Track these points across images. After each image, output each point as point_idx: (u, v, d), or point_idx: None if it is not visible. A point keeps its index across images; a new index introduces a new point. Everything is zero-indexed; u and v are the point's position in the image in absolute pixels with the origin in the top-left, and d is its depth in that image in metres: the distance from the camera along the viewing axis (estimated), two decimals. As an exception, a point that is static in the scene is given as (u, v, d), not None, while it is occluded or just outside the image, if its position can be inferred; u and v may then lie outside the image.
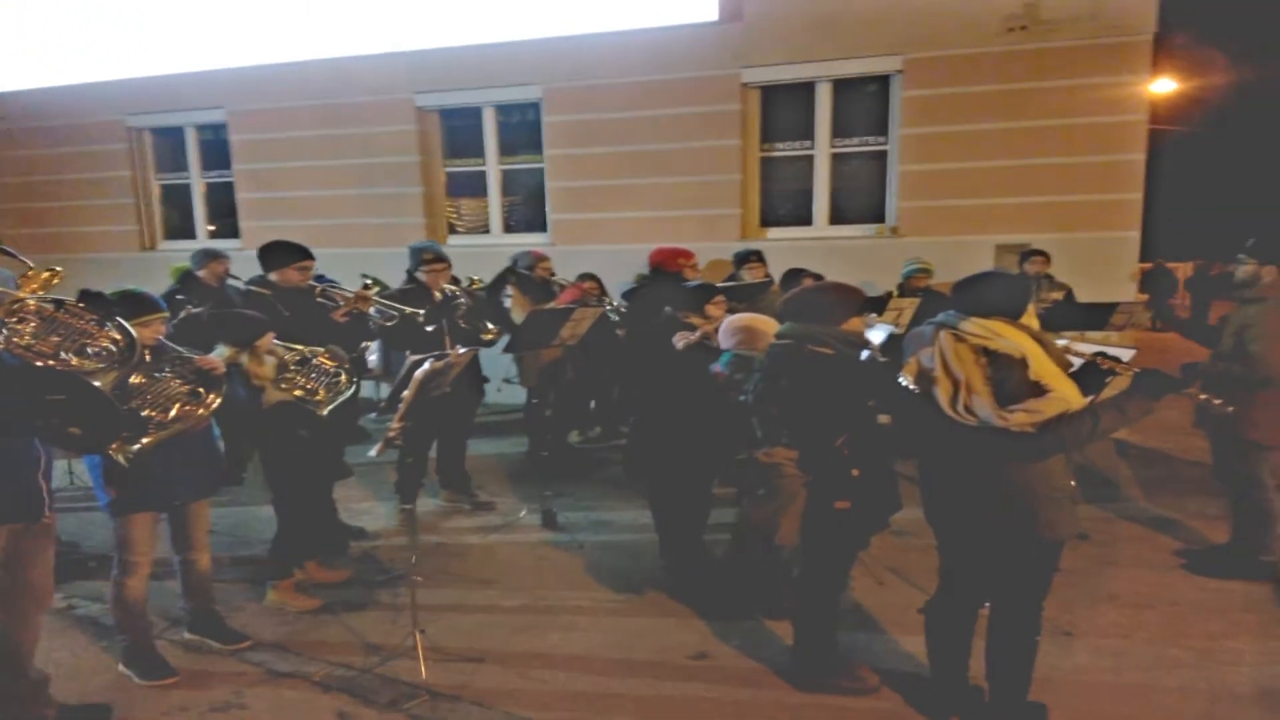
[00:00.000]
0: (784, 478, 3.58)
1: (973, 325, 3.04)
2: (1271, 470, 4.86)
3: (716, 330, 4.44)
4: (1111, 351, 3.32)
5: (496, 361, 7.38)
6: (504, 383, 7.80)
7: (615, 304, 7.38)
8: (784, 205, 9.27)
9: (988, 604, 3.40)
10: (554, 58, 9.25)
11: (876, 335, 3.96)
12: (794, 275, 6.64)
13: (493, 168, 10.07)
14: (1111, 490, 6.60)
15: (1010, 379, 2.95)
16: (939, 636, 3.52)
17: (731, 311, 4.69)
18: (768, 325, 4.07)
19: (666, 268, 6.65)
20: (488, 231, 10.25)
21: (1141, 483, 6.77)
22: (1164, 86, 16.20)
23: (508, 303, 7.14)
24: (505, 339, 6.51)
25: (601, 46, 9.06)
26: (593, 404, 8.18)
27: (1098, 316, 6.27)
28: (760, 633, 4.33)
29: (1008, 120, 8.06)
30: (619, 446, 7.52)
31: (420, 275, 6.02)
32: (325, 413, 4.53)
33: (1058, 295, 7.16)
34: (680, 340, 4.59)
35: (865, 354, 3.58)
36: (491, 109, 9.90)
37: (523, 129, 9.90)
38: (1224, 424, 4.65)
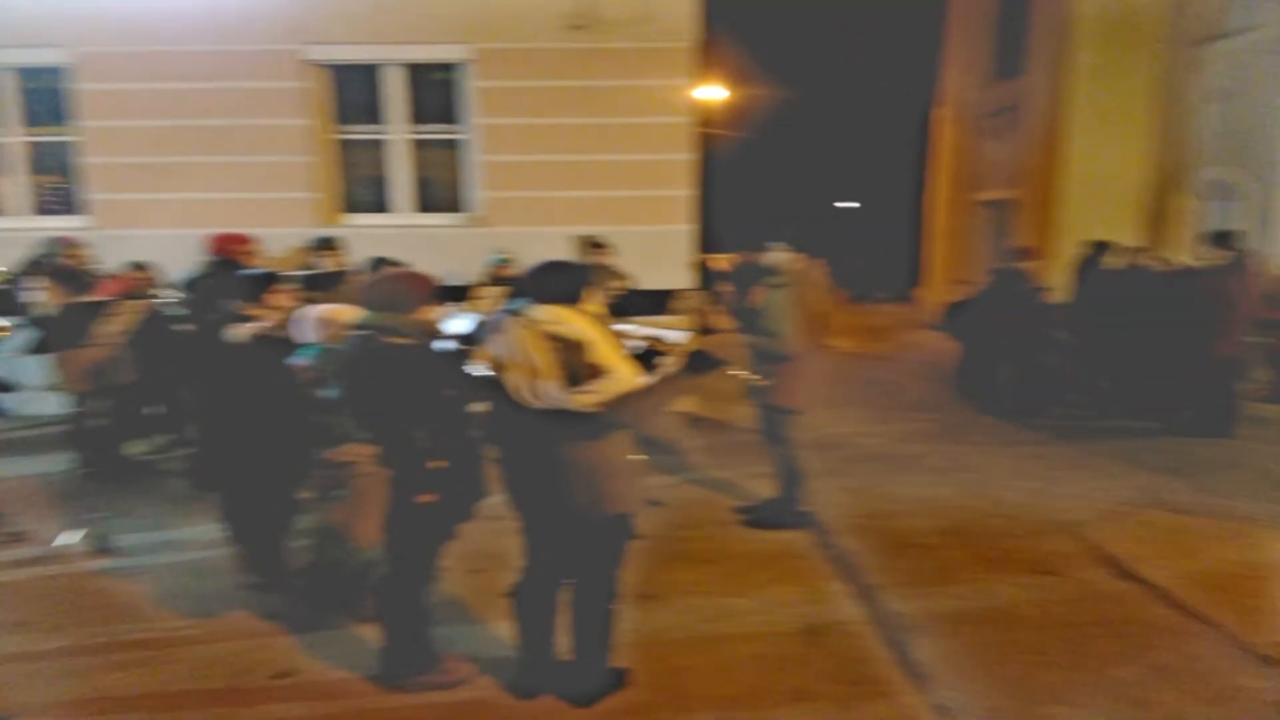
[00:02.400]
0: (360, 476, 3.42)
1: (540, 312, 3.12)
2: (802, 429, 5.54)
3: (283, 322, 4.12)
4: (664, 334, 3.60)
5: (33, 365, 6.28)
6: (41, 391, 6.65)
7: (173, 296, 6.62)
8: (366, 191, 8.91)
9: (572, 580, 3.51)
10: (85, 19, 8.04)
11: (459, 324, 3.92)
12: (377, 264, 6.40)
13: (9, 140, 8.55)
14: (681, 459, 7.19)
15: (575, 362, 3.07)
16: (525, 617, 3.58)
17: (311, 302, 4.38)
18: (352, 315, 3.85)
19: (225, 255, 6.09)
20: (6, 213, 8.68)
21: (705, 449, 7.47)
22: (717, 93, 18.09)
23: (42, 296, 6.11)
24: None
25: (143, 10, 8.06)
26: (157, 409, 7.25)
27: (660, 303, 6.81)
28: (348, 640, 4.11)
29: (574, 116, 8.43)
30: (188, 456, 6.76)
31: None
32: None
33: (622, 284, 7.65)
34: (238, 333, 4.21)
35: (444, 344, 3.52)
36: (7, 73, 8.39)
37: (49, 97, 8.49)
38: (763, 393, 5.31)
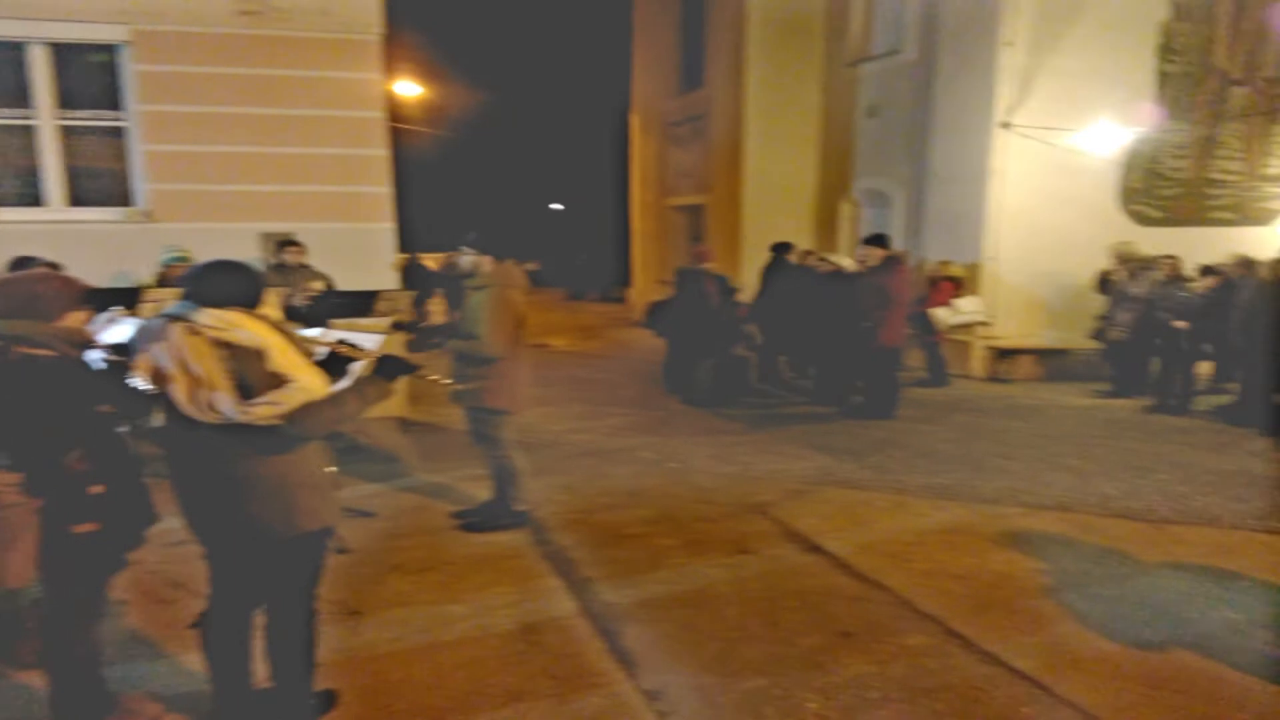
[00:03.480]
0: (3, 507, 2.95)
1: (208, 317, 2.83)
2: (514, 429, 5.54)
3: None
4: (354, 338, 3.40)
5: None
6: None
7: None
8: (9, 182, 7.79)
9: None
10: None
11: (117, 332, 3.47)
12: (20, 264, 5.58)
13: None
14: (395, 466, 6.97)
15: (251, 371, 2.82)
16: (216, 647, 3.27)
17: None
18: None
19: None
20: None
21: (420, 455, 7.28)
22: (412, 89, 17.70)
23: None
24: None
25: None
26: None
27: (362, 304, 6.52)
28: (8, 690, 3.56)
29: (252, 105, 7.91)
30: None
31: None
32: None
33: (319, 285, 7.27)
34: None
35: (97, 354, 3.12)
36: None
37: None
38: (472, 395, 5.24)
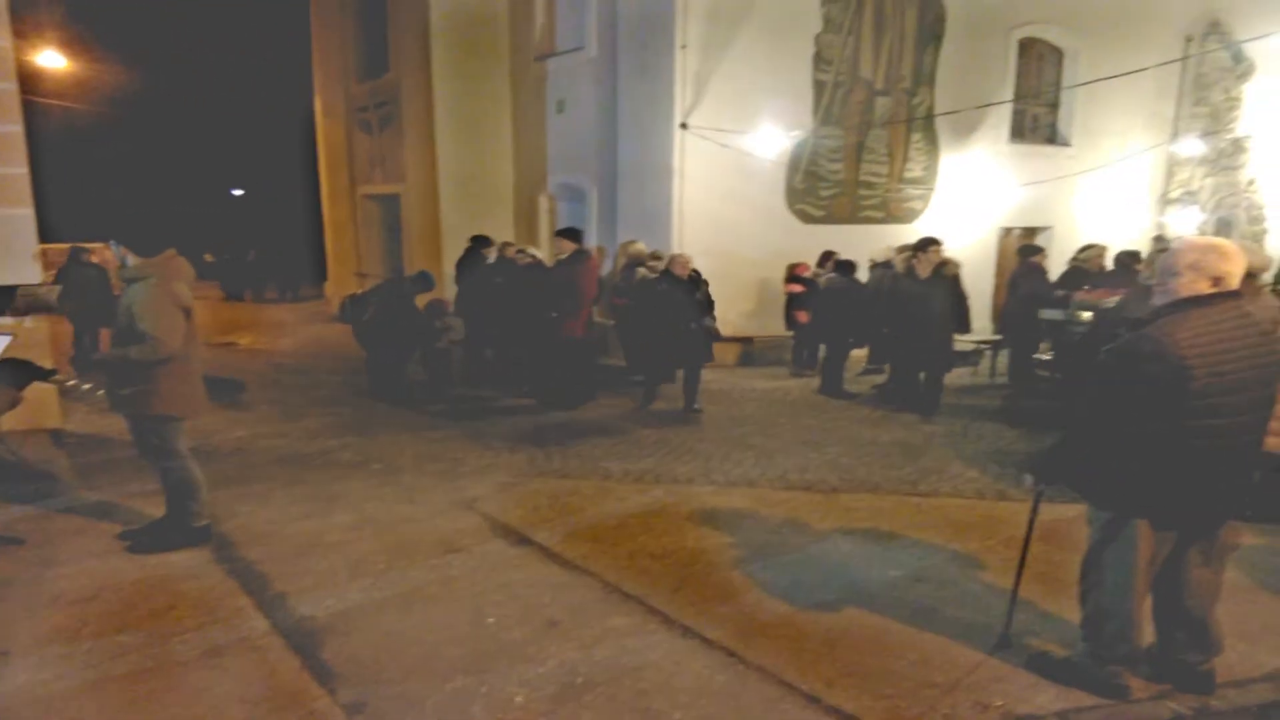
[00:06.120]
0: None
1: None
2: (187, 436, 5.11)
3: None
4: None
5: None
6: None
7: None
8: None
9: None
10: None
11: None
12: None
13: None
14: (48, 485, 6.18)
15: None
16: None
17: None
18: None
19: None
20: None
21: (80, 471, 6.50)
22: (57, 61, 15.72)
23: None
24: None
25: None
26: None
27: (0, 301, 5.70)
28: None
29: None
30: None
31: None
32: None
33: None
34: None
35: None
36: None
37: None
38: (134, 402, 4.73)
